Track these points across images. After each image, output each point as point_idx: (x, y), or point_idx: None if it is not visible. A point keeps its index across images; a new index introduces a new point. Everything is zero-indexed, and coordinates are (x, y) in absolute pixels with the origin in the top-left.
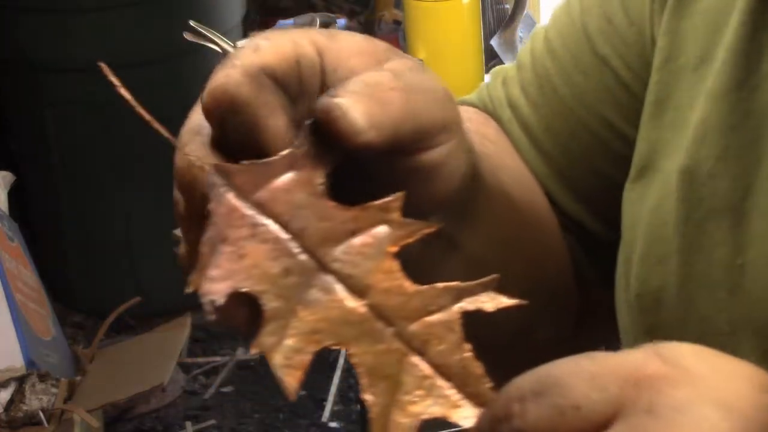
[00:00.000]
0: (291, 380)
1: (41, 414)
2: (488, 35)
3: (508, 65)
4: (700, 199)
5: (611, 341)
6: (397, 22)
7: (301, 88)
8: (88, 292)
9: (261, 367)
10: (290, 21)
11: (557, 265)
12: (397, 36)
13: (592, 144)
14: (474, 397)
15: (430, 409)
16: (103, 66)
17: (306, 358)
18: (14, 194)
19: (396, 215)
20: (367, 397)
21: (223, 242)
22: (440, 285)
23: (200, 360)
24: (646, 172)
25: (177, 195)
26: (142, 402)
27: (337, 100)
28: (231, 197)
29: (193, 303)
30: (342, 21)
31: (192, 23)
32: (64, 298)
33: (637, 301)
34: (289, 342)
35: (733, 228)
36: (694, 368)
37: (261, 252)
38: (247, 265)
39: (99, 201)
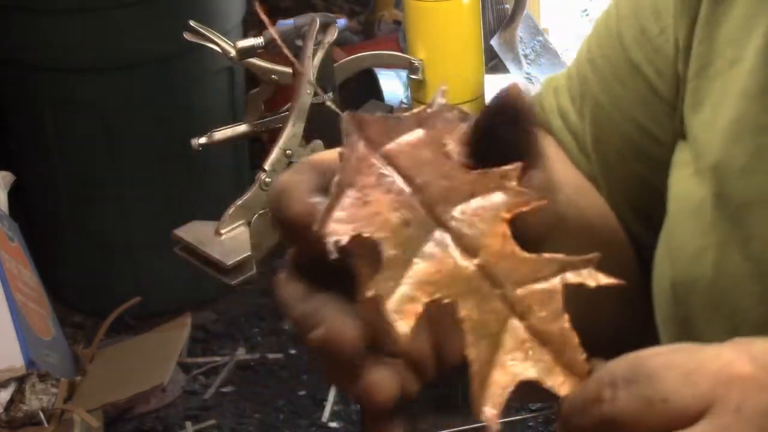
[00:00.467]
0: (402, 325)
1: (41, 414)
2: (488, 35)
3: (559, 73)
4: (734, 193)
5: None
6: (397, 22)
7: None
8: (88, 292)
9: (261, 367)
10: (290, 21)
11: (629, 266)
12: (397, 36)
13: (627, 148)
14: (568, 366)
15: (527, 372)
16: (259, 10)
17: (418, 307)
18: (14, 194)
19: (513, 183)
20: (469, 352)
21: (351, 187)
22: (547, 255)
23: (200, 360)
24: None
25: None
26: (142, 402)
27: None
28: (362, 146)
29: (193, 303)
30: (342, 21)
31: (192, 23)
32: (64, 298)
33: (673, 290)
34: (404, 289)
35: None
36: None
37: (384, 201)
38: (371, 212)
39: (99, 201)
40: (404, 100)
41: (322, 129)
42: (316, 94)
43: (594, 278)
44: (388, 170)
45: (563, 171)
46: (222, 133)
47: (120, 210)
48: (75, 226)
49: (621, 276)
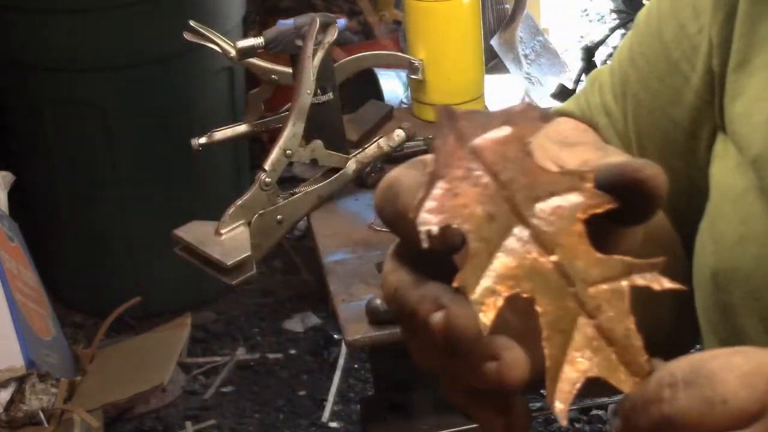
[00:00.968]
0: (483, 317)
1: (41, 414)
2: (488, 35)
3: (603, 68)
4: None
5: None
6: (397, 22)
7: None
8: (88, 292)
9: (261, 367)
10: (290, 21)
11: (681, 266)
12: (397, 36)
13: (667, 144)
14: (631, 366)
15: (594, 369)
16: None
17: (499, 300)
18: (14, 194)
19: (589, 185)
20: (545, 346)
21: (441, 178)
22: (617, 257)
23: (200, 360)
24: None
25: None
26: (142, 402)
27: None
28: (452, 139)
29: (193, 303)
30: (342, 21)
31: (192, 23)
32: (64, 298)
33: (714, 279)
34: (486, 282)
35: None
36: None
37: (472, 194)
38: (459, 203)
39: (99, 201)
40: (404, 100)
41: (322, 129)
42: (316, 94)
43: (658, 282)
44: (475, 164)
45: None
46: (222, 133)
47: (120, 210)
48: (75, 226)
49: (677, 278)
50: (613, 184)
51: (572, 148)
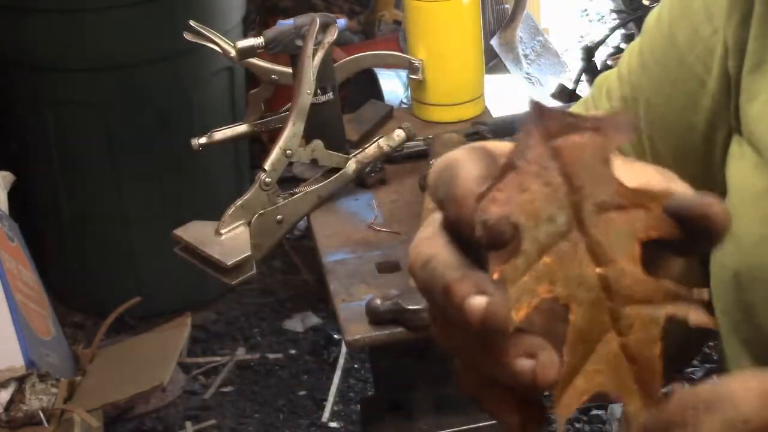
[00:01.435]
0: (514, 314)
1: (41, 414)
2: (488, 35)
3: (609, 73)
4: None
5: None
6: (397, 22)
7: None
8: (88, 292)
9: (261, 367)
10: (290, 21)
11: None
12: (397, 36)
13: (681, 148)
14: (645, 389)
15: (607, 384)
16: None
17: (534, 300)
18: (14, 194)
19: (656, 206)
20: (566, 352)
21: (514, 170)
22: (665, 282)
23: (200, 360)
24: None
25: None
26: (142, 402)
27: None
28: (536, 135)
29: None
30: (342, 21)
31: (192, 23)
32: (64, 298)
33: (736, 278)
34: (527, 280)
35: None
36: None
37: (540, 193)
38: (525, 199)
39: (99, 201)
40: (404, 100)
41: (322, 129)
42: (316, 94)
43: (696, 317)
44: (552, 163)
45: None
46: (222, 133)
47: (120, 210)
48: (75, 226)
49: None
50: (681, 214)
51: (631, 164)
